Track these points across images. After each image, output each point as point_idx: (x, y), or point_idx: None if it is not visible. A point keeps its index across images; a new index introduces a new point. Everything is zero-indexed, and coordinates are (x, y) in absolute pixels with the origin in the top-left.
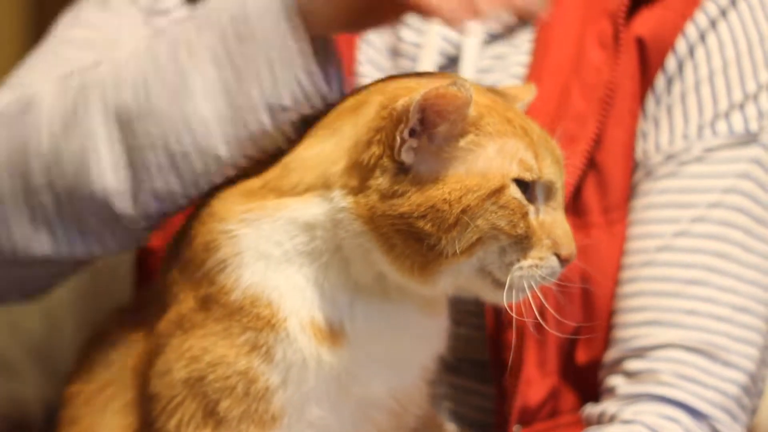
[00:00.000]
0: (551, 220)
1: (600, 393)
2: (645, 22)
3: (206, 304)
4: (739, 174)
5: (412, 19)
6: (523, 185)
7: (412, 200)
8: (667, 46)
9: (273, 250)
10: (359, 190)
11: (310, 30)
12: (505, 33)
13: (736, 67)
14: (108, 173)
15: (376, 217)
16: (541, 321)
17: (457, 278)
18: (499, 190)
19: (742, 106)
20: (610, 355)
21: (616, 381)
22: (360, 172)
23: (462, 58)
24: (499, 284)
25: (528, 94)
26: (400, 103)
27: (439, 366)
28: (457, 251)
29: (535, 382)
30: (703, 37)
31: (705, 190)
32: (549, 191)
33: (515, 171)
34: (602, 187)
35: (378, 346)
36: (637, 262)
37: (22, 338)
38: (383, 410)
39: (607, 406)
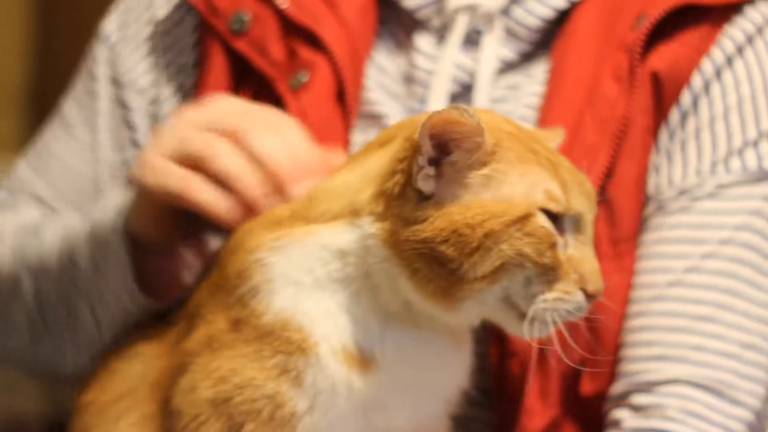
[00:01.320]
0: (579, 254)
1: (605, 426)
2: (661, 57)
3: (237, 326)
4: (752, 211)
5: (426, 45)
6: (552, 216)
7: (435, 225)
8: (683, 81)
9: (304, 277)
10: (385, 217)
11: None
12: (520, 61)
13: (751, 105)
14: None
15: (400, 243)
16: (548, 352)
17: (481, 306)
18: (525, 218)
19: (756, 144)
20: (617, 388)
21: (621, 414)
22: (385, 200)
23: (476, 87)
24: (523, 316)
25: (557, 137)
26: (418, 131)
27: (461, 400)
28: (479, 276)
29: (537, 413)
30: (718, 74)
31: (717, 226)
32: (578, 224)
33: (541, 200)
34: (612, 220)
35: (406, 375)
36: (647, 297)
37: None
38: None
39: None
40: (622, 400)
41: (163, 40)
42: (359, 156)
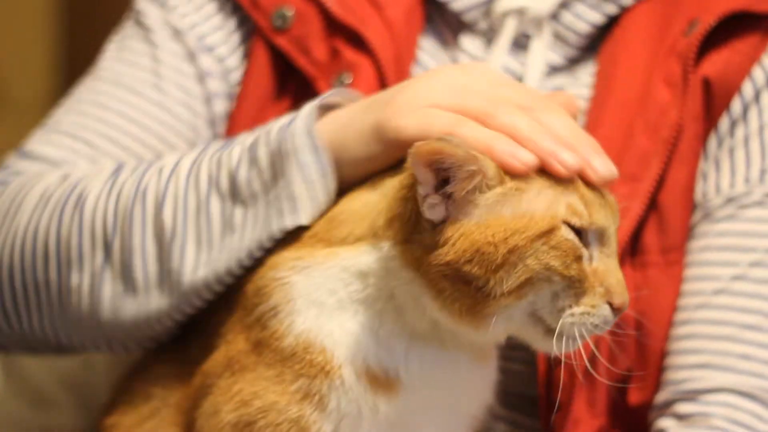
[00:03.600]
0: (604, 267)
1: None
2: (713, 64)
3: (258, 348)
4: None
5: (473, 47)
6: (575, 230)
7: (457, 247)
8: (734, 88)
9: (326, 298)
10: (405, 241)
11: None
12: (567, 65)
13: None
14: (143, 288)
15: (423, 266)
16: (589, 367)
17: (507, 323)
18: (550, 231)
19: None
20: (661, 396)
21: (667, 423)
22: (402, 225)
23: None
24: (550, 331)
25: None
26: (410, 162)
27: (487, 413)
28: (505, 291)
29: (584, 422)
30: None
31: (765, 234)
32: (601, 237)
33: (563, 213)
34: (662, 228)
35: (432, 395)
36: (693, 304)
37: (55, 370)
38: None
39: None
40: (666, 408)
41: (225, 6)
42: (378, 174)
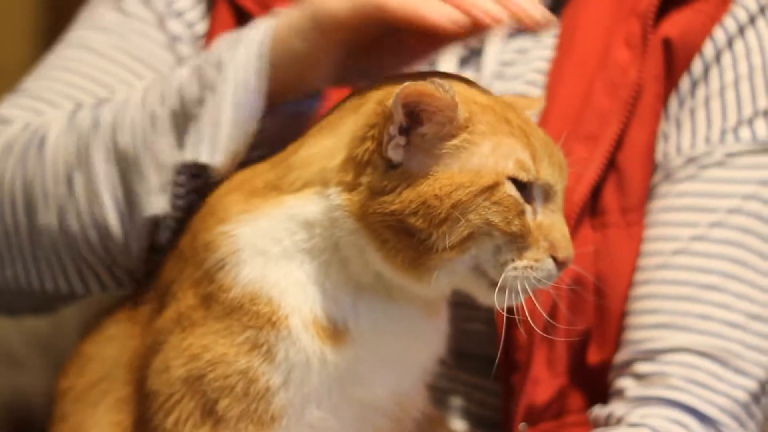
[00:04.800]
0: (549, 222)
1: (609, 395)
2: (673, 24)
3: (206, 302)
4: (761, 181)
5: None
6: (521, 185)
7: (403, 197)
8: (695, 48)
9: (271, 247)
10: (353, 186)
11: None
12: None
13: (762, 75)
14: (110, 213)
15: (368, 215)
16: (550, 322)
17: (451, 276)
18: (493, 187)
19: (766, 114)
20: (621, 356)
21: (625, 383)
22: (354, 168)
23: (484, 50)
24: (493, 284)
25: (538, 105)
26: (391, 99)
27: (441, 365)
28: (448, 246)
29: (543, 382)
30: (730, 43)
31: (725, 195)
32: (547, 194)
33: (510, 169)
34: (622, 188)
35: (381, 347)
36: (652, 265)
37: (26, 331)
38: (384, 413)
39: (615, 408)
40: (625, 368)
41: None
42: (333, 120)
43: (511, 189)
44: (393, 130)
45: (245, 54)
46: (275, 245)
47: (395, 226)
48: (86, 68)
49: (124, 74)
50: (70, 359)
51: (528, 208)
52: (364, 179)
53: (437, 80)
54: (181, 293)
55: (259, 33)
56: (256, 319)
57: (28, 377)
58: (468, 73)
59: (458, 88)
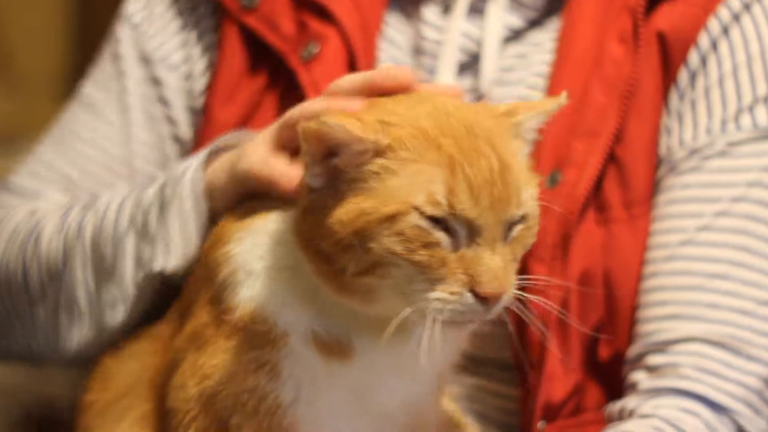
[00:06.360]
0: (473, 255)
1: (623, 389)
2: (666, 17)
3: (217, 321)
4: (764, 168)
5: (432, 16)
6: (434, 218)
7: (318, 220)
8: (690, 41)
9: (258, 266)
10: (298, 206)
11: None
12: (528, 27)
13: (760, 62)
14: (85, 318)
15: (297, 235)
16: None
17: (382, 300)
18: (395, 216)
19: (766, 100)
20: (633, 350)
21: (638, 376)
22: (301, 189)
23: (483, 56)
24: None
25: (557, 102)
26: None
27: (456, 370)
28: (356, 272)
29: (559, 378)
30: (726, 32)
31: (728, 184)
32: (471, 228)
33: (419, 201)
34: (623, 183)
35: (387, 358)
36: (660, 257)
37: None
38: (400, 423)
39: (628, 401)
40: (638, 362)
41: (190, 18)
42: None
43: (417, 219)
44: (309, 160)
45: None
46: (261, 263)
47: (315, 249)
48: (89, 132)
49: (120, 138)
50: (94, 373)
51: (445, 239)
52: (300, 201)
53: (331, 120)
54: (197, 310)
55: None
56: (257, 339)
57: (52, 383)
58: (466, 80)
59: (401, 109)
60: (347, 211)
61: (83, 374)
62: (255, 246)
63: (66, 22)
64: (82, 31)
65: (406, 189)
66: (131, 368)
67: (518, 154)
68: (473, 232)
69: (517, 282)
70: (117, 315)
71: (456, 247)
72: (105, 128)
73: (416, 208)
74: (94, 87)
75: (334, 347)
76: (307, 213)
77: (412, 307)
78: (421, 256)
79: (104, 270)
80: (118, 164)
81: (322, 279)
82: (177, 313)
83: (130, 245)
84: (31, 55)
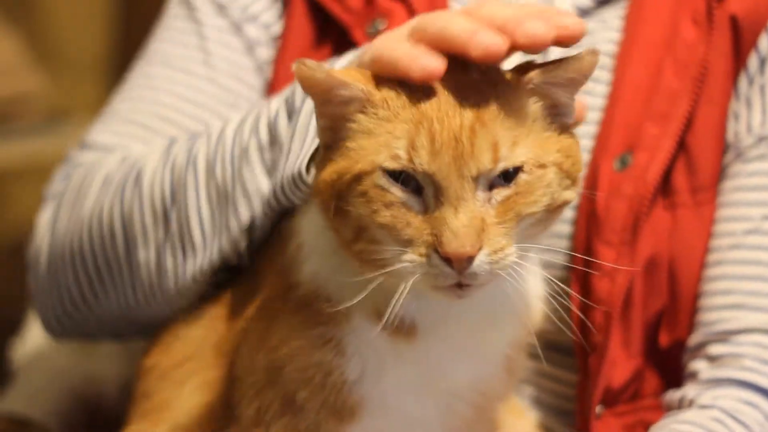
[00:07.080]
0: (438, 215)
1: (683, 377)
2: (739, 1)
3: (285, 294)
4: None
5: None
6: (396, 175)
7: (316, 181)
8: (761, 25)
9: (321, 243)
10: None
11: None
12: (596, 7)
13: None
14: (199, 253)
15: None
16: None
17: (382, 267)
18: (360, 176)
19: None
20: (694, 339)
21: (698, 365)
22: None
23: None
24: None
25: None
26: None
27: (523, 353)
28: (349, 239)
29: (620, 363)
30: None
31: None
32: (435, 187)
33: (382, 158)
34: (691, 168)
35: (454, 337)
36: (724, 245)
37: None
38: (467, 401)
39: (688, 390)
40: (699, 350)
41: None
42: None
43: (379, 179)
44: (315, 111)
45: None
46: (322, 240)
47: (322, 212)
48: (170, 84)
49: (207, 87)
50: (155, 338)
51: (407, 197)
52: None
53: (316, 63)
54: (267, 282)
55: None
56: (321, 315)
57: (99, 364)
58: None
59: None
60: (329, 172)
61: (132, 356)
62: (315, 219)
63: (110, 9)
64: (126, 17)
65: (374, 147)
66: (195, 333)
67: (516, 111)
68: (438, 191)
69: (518, 250)
70: (239, 241)
71: (425, 208)
72: (188, 79)
73: (380, 167)
74: (166, 42)
75: (398, 326)
76: (318, 174)
77: (386, 270)
78: (384, 217)
79: (222, 194)
80: (207, 113)
81: (342, 250)
82: (249, 281)
83: (255, 157)
84: (78, 40)
